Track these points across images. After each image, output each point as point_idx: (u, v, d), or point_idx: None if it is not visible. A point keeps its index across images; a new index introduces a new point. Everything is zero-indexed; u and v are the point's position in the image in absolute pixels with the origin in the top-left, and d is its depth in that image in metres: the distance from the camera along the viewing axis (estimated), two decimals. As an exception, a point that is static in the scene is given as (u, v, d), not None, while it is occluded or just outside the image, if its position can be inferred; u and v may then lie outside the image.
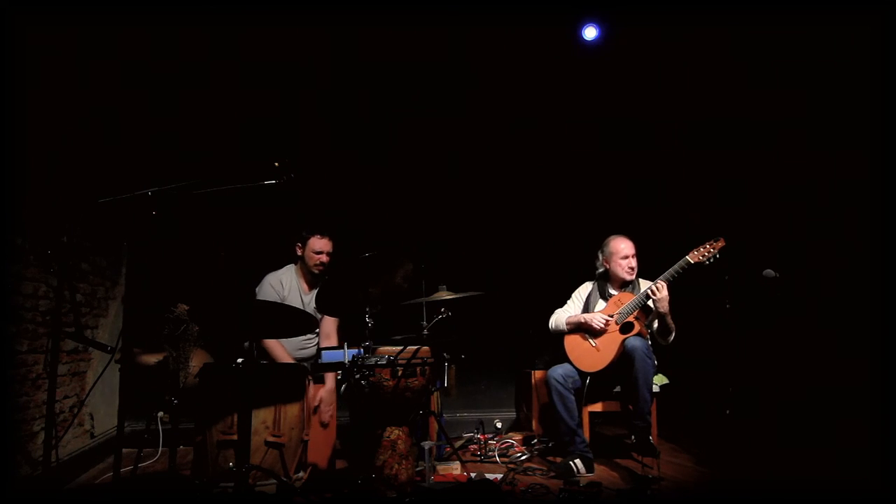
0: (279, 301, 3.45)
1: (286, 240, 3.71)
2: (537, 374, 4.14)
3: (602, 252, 3.70)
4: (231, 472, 2.59)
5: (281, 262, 3.73)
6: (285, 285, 3.61)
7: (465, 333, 3.52)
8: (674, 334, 3.47)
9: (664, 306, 3.33)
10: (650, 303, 3.42)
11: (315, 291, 3.67)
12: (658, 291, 3.31)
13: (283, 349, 3.51)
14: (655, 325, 3.50)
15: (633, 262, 3.59)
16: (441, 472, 3.28)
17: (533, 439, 3.98)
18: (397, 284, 3.06)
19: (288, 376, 3.04)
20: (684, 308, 3.50)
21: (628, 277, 3.60)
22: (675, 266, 3.37)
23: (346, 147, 4.63)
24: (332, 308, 3.35)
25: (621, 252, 3.59)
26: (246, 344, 2.88)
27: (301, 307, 3.46)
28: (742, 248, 3.48)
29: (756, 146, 4.31)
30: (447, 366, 3.31)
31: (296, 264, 3.70)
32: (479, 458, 3.71)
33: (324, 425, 3.30)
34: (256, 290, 3.61)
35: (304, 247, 3.62)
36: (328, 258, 3.63)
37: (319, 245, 3.61)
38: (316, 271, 3.62)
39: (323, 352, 3.44)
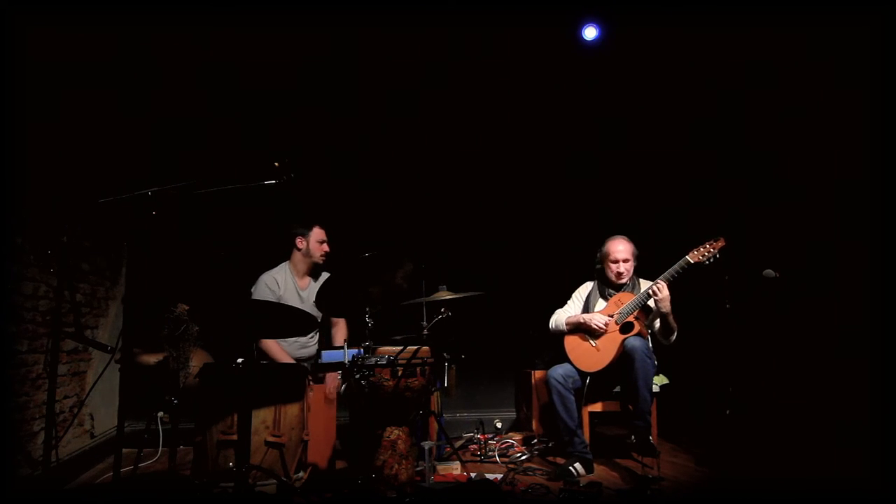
0: (275, 300, 3.46)
1: (285, 239, 3.72)
2: (537, 374, 4.14)
3: (600, 250, 3.71)
4: (231, 472, 2.59)
5: (281, 262, 3.73)
6: (281, 284, 3.63)
7: (465, 333, 3.51)
8: (676, 334, 3.46)
9: (666, 306, 3.33)
10: (651, 303, 3.42)
11: (311, 286, 3.69)
12: (659, 291, 3.30)
13: (281, 348, 3.52)
14: (657, 325, 3.50)
15: (623, 268, 3.57)
16: (441, 472, 3.28)
17: (533, 439, 3.98)
18: (397, 284, 3.07)
19: (288, 376, 3.04)
20: (684, 308, 3.50)
21: (615, 280, 3.61)
22: (675, 266, 3.37)
23: (347, 147, 4.63)
24: (332, 308, 3.36)
25: (612, 255, 3.60)
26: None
27: (298, 303, 3.48)
28: (742, 248, 3.48)
29: (756, 146, 4.31)
30: (447, 366, 3.31)
31: (289, 261, 3.71)
32: (479, 458, 3.70)
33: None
34: (252, 290, 3.62)
35: (307, 239, 3.65)
36: (328, 247, 3.70)
37: (322, 234, 3.69)
38: (321, 261, 3.69)
39: (323, 352, 3.44)
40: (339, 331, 3.85)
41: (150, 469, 3.55)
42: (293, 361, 3.55)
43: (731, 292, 3.35)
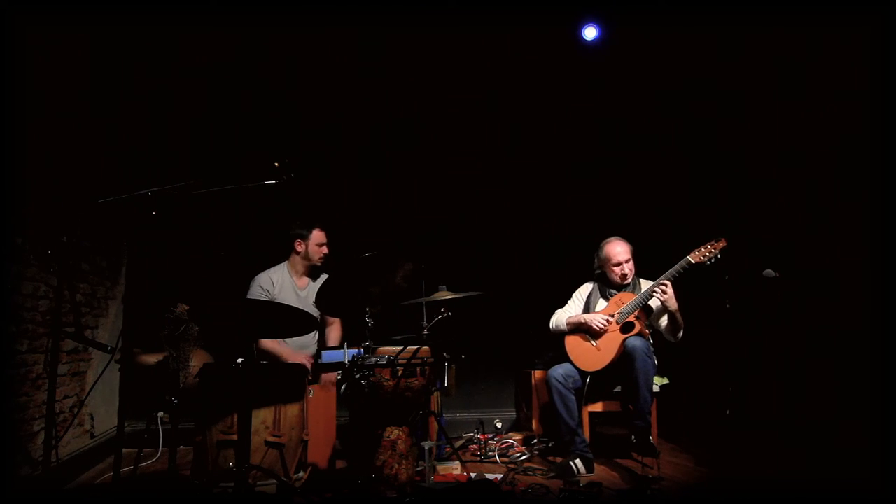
0: (268, 300, 3.46)
1: (285, 240, 3.72)
2: (537, 374, 4.13)
3: (598, 255, 3.69)
4: (231, 472, 2.59)
5: (280, 262, 3.73)
6: (276, 283, 3.63)
7: (465, 333, 3.51)
8: (682, 331, 3.45)
9: (673, 304, 3.32)
10: (652, 302, 3.42)
11: (310, 285, 3.69)
12: (666, 291, 3.29)
13: (280, 346, 3.52)
14: (665, 322, 3.47)
15: (626, 269, 3.56)
16: (441, 472, 3.28)
17: (533, 439, 3.97)
18: (397, 284, 3.07)
19: (288, 376, 3.04)
20: (684, 308, 3.50)
21: (620, 282, 3.61)
22: (676, 266, 3.37)
23: (348, 148, 4.63)
24: (332, 308, 3.35)
25: (614, 258, 3.58)
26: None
27: (296, 303, 3.47)
28: (742, 248, 3.47)
29: (756, 146, 4.31)
30: (447, 366, 3.31)
31: (288, 261, 3.71)
32: (479, 458, 3.71)
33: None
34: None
35: (306, 241, 3.65)
36: (328, 249, 3.70)
37: (321, 237, 3.69)
38: (320, 263, 3.69)
39: (323, 352, 3.44)
40: (334, 330, 3.84)
41: (150, 469, 3.55)
42: (300, 358, 3.53)
43: (731, 292, 3.35)
